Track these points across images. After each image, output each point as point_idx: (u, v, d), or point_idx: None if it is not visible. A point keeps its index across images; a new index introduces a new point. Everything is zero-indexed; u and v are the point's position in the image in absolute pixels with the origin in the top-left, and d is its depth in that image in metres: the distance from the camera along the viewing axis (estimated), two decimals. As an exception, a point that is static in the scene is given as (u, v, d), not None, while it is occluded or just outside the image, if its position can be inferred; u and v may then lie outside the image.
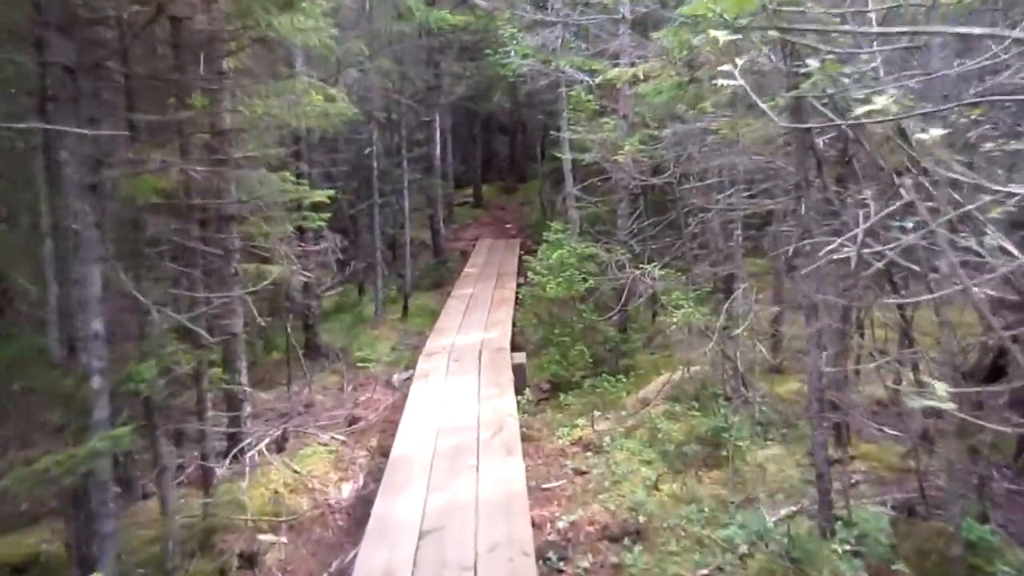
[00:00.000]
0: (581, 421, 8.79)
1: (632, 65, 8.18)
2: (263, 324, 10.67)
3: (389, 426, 9.28)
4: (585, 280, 9.60)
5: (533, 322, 11.23)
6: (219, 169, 6.75)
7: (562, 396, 9.34)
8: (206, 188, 6.45)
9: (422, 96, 17.73)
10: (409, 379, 11.22)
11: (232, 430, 7.24)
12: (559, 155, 12.16)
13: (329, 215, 10.22)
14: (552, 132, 21.34)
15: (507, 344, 10.85)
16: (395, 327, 14.26)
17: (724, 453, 7.44)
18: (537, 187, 27.05)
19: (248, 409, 7.33)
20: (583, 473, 7.57)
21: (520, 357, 10.53)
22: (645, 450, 7.73)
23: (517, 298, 14.48)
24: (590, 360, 9.59)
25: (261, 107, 7.66)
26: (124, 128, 5.27)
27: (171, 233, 5.90)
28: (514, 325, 12.49)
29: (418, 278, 17.59)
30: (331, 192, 10.52)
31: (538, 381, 10.68)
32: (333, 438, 8.43)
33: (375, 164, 13.66)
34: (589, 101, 10.00)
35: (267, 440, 7.28)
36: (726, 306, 7.57)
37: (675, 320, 8.61)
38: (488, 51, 14.59)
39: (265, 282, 7.22)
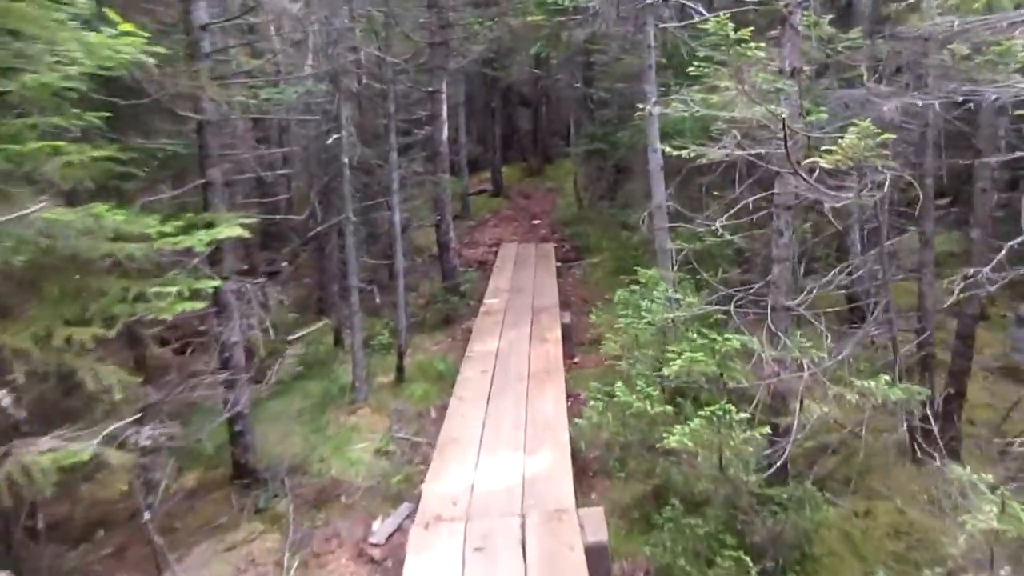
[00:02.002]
0: None
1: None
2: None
3: None
4: (748, 428, 4.65)
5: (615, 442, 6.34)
6: None
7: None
8: None
9: (424, 58, 12.72)
10: (399, 531, 6.58)
11: None
12: (654, 147, 6.97)
13: (230, 265, 5.47)
14: (591, 102, 16.28)
15: (569, 496, 5.97)
16: (384, 403, 9.43)
17: None
18: (567, 169, 22.12)
19: None
20: None
21: (594, 520, 5.70)
22: None
23: (566, 352, 9.69)
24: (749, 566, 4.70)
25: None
26: None
27: None
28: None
29: (422, 308, 12.77)
30: (241, 222, 5.79)
31: (630, 567, 5.84)
32: None
33: (344, 159, 8.73)
34: (741, 44, 4.80)
35: None
36: None
37: (967, 521, 3.74)
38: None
39: None
